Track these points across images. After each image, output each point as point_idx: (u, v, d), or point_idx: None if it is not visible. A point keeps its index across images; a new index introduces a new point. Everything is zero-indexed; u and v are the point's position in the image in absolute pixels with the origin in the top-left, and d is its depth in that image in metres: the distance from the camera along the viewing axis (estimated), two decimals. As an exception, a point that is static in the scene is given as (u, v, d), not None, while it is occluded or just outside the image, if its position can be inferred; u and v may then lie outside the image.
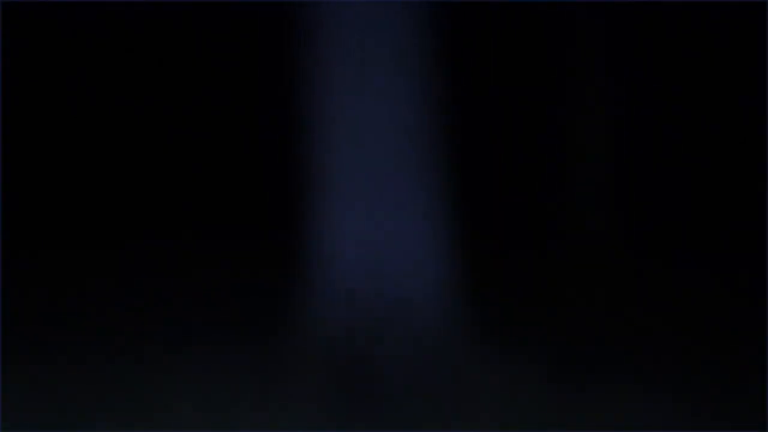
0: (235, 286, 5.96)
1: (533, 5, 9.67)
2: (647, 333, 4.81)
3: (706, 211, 9.34)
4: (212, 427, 3.46)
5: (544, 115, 9.64)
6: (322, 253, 3.84)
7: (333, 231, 3.80)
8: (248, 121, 10.25)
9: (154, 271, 6.50)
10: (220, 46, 10.45)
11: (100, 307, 5.98)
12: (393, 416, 3.54)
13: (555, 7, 9.39)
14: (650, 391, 3.84)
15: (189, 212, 9.33)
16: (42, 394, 4.09)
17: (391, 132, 3.74)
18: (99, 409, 3.77)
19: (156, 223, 9.04)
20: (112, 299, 5.71)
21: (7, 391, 4.74)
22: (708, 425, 3.57)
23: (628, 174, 7.57)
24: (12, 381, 4.55)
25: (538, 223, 7.51)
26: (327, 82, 3.77)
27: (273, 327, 4.44)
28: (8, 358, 4.90)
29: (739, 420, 3.52)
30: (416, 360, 3.70)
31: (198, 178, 10.03)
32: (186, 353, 4.52)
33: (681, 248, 7.24)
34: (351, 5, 3.74)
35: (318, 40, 3.83)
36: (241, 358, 4.28)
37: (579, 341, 4.50)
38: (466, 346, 3.85)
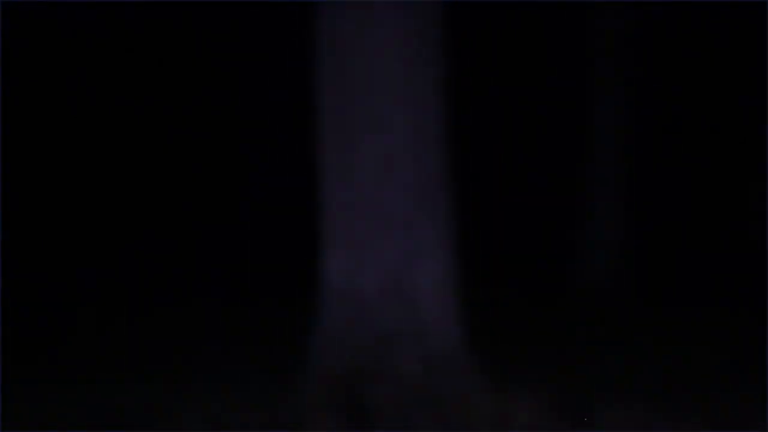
0: (248, 305, 5.78)
1: (540, 5, 9.66)
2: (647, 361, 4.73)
3: (710, 220, 9.21)
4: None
5: (552, 120, 9.62)
6: (335, 277, 3.81)
7: (347, 253, 3.76)
8: (260, 126, 10.20)
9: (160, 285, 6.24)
10: (230, 46, 10.42)
11: (114, 324, 5.91)
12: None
13: (557, 8, 9.38)
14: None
15: (197, 224, 9.17)
16: (45, 401, 4.10)
17: (405, 143, 3.71)
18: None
19: (162, 234, 8.86)
20: (125, 325, 5.51)
21: (7, 391, 4.74)
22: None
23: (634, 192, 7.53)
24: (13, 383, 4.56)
25: (549, 245, 7.36)
26: (340, 83, 3.74)
27: (285, 345, 4.39)
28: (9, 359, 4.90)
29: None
30: (423, 381, 3.67)
31: (211, 191, 9.96)
32: (198, 368, 4.46)
33: (685, 275, 7.06)
34: (362, 5, 3.71)
35: (327, 39, 3.79)
36: (252, 375, 4.24)
37: (584, 372, 4.43)
38: (472, 372, 3.81)
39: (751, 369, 4.51)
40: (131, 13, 10.41)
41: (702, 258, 7.64)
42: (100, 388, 4.16)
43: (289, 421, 3.62)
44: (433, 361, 3.71)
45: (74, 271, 7.18)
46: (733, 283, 6.64)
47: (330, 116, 3.83)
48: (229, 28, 10.34)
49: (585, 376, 4.36)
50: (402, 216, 3.77)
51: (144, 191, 9.90)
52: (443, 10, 3.91)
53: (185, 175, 10.13)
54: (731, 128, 10.02)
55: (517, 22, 10.02)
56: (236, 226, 8.78)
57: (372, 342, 3.71)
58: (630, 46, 7.88)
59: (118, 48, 10.54)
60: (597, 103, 7.58)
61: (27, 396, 4.19)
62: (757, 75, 9.10)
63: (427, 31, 3.84)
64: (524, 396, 3.70)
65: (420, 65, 3.82)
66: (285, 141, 9.33)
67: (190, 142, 10.22)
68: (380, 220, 3.76)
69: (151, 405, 3.77)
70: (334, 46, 3.81)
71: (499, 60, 10.01)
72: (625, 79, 7.69)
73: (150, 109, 10.39)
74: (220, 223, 9.01)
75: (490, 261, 6.24)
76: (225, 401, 3.76)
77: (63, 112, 10.33)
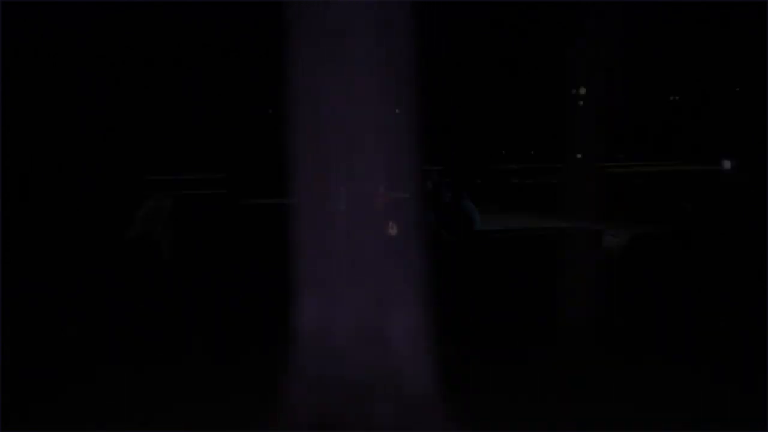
0: (222, 352, 5.67)
1: (525, 5, 9.69)
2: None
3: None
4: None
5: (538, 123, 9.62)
6: (312, 320, 3.80)
7: (323, 297, 3.75)
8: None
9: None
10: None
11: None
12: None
13: (552, 7, 9.41)
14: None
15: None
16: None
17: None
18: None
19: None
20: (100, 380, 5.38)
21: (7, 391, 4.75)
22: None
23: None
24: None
25: (525, 290, 7.21)
26: (316, 87, 3.70)
27: (259, 391, 4.35)
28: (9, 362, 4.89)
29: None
30: (396, 428, 3.66)
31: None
32: (170, 417, 4.43)
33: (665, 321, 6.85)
34: (340, 5, 3.68)
35: (308, 40, 3.76)
36: (226, 420, 4.28)
37: (559, 417, 4.39)
38: (444, 419, 3.79)
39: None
40: (129, 12, 10.43)
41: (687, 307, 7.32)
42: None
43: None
44: (406, 407, 3.61)
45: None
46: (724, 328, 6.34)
47: (303, 163, 3.78)
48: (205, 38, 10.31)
49: (560, 422, 4.34)
50: (374, 263, 3.72)
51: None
52: (430, 9, 3.87)
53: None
54: (731, 128, 10.04)
55: (507, 23, 10.03)
56: (209, 273, 8.53)
57: (345, 388, 3.58)
58: (627, 45, 7.86)
59: (119, 47, 10.54)
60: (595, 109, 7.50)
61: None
62: (757, 75, 9.12)
63: (412, 31, 3.79)
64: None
65: (395, 99, 3.76)
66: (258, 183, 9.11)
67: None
68: (353, 266, 3.72)
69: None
70: (322, 47, 3.74)
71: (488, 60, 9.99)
72: (614, 83, 7.64)
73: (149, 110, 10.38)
74: (191, 271, 8.67)
75: (463, 307, 6.12)
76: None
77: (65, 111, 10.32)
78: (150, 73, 20.75)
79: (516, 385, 4.87)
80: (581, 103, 7.47)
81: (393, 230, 7.55)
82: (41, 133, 16.01)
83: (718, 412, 4.43)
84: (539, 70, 24.90)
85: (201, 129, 20.86)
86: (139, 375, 5.07)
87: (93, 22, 16.44)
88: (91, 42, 18.89)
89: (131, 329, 5.79)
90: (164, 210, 6.74)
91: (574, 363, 5.21)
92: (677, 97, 26.54)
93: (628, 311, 6.43)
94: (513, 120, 26.59)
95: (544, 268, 8.23)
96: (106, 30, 15.49)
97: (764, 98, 9.04)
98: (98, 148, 16.86)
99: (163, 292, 6.54)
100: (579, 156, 7.49)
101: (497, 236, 9.15)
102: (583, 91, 7.88)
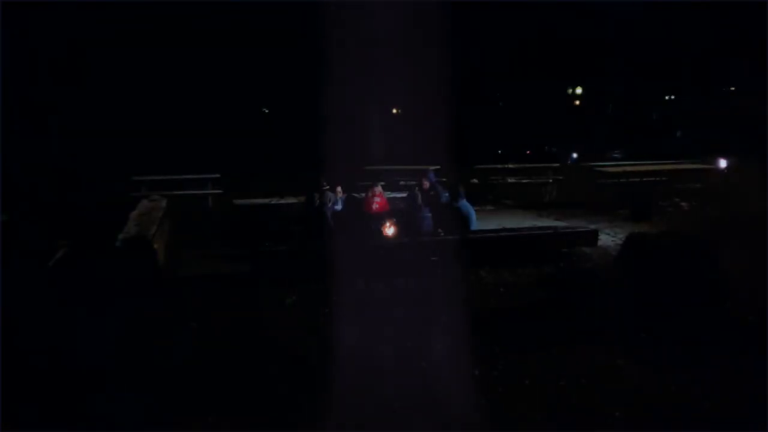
0: (263, 375, 5.54)
1: (533, 4, 9.69)
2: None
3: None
4: None
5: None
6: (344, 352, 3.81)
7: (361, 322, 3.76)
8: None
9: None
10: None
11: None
12: None
13: (553, 8, 9.41)
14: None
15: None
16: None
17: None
18: None
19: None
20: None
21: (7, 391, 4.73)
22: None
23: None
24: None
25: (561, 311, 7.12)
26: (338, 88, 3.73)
27: (298, 413, 4.35)
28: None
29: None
30: None
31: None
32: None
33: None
34: (357, 5, 3.71)
35: (327, 39, 3.79)
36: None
37: None
38: None
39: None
40: (143, 11, 10.44)
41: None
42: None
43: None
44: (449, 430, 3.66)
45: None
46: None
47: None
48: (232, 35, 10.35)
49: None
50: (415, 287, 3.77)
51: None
52: (445, 9, 3.92)
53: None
54: (730, 128, 10.05)
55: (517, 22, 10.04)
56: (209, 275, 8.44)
57: (386, 411, 3.65)
58: (626, 45, 7.91)
59: (126, 46, 10.54)
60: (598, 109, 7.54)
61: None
62: (756, 74, 9.14)
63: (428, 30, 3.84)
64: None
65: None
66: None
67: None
68: (394, 290, 3.78)
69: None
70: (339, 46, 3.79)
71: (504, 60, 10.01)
72: (622, 80, 7.69)
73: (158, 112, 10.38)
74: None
75: (500, 330, 6.03)
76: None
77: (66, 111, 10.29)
78: (146, 73, 20.76)
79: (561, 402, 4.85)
80: (577, 102, 7.47)
81: (390, 230, 7.55)
82: (38, 132, 16.01)
83: (717, 412, 4.44)
84: (537, 69, 24.97)
85: (197, 129, 20.88)
86: (153, 384, 5.04)
87: (92, 20, 16.45)
88: (89, 41, 18.89)
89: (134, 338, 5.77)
90: (159, 210, 6.72)
91: (577, 366, 5.22)
92: (673, 97, 26.73)
93: (625, 310, 6.45)
94: (510, 119, 26.68)
95: (542, 268, 8.27)
96: (107, 29, 15.49)
97: (764, 98, 9.05)
98: (94, 148, 16.87)
99: (161, 297, 6.54)
100: (575, 156, 7.55)
101: (494, 236, 9.14)
102: (579, 90, 7.89)
